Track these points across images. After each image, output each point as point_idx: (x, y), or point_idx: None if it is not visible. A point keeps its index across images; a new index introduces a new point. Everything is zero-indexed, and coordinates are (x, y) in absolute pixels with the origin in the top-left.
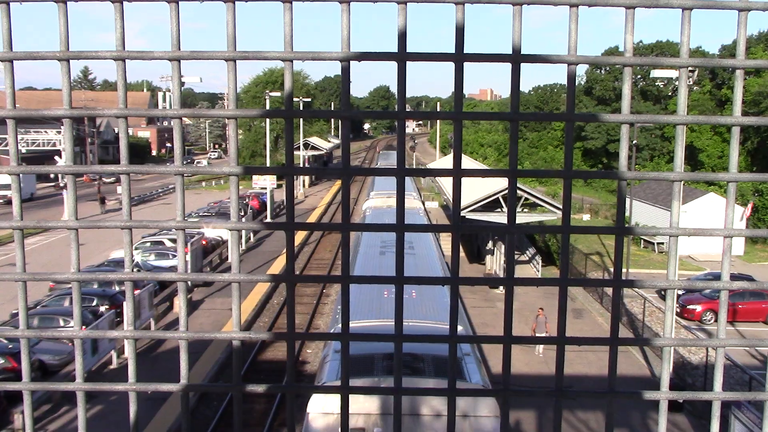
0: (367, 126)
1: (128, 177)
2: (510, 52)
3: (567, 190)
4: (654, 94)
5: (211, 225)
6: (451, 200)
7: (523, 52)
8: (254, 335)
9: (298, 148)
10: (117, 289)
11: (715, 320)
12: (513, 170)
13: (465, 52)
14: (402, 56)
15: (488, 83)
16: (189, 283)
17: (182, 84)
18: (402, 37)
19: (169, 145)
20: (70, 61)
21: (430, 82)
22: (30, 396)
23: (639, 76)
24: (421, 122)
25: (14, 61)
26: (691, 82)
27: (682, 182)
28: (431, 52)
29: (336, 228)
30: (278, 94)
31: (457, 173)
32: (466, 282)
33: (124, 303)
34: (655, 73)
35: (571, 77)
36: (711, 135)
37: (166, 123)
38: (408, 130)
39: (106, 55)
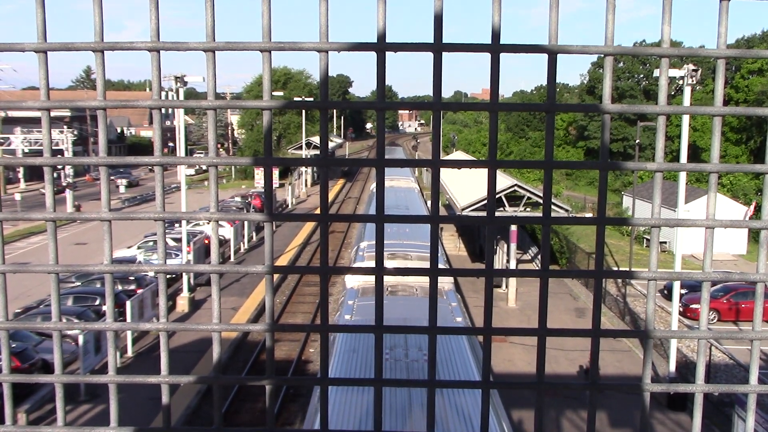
0: (369, 126)
1: (161, 169)
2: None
3: (603, 182)
4: (657, 93)
5: (243, 218)
6: (453, 199)
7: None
8: (287, 327)
9: (301, 148)
10: (120, 288)
11: (718, 319)
12: (549, 162)
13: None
14: (438, 47)
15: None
16: (191, 278)
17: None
18: (438, 27)
19: (171, 144)
20: (104, 52)
21: (422, 77)
22: (62, 389)
23: (642, 76)
24: (422, 122)
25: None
26: (694, 81)
27: (717, 174)
28: (467, 43)
29: (370, 219)
30: (281, 93)
31: (493, 165)
32: (499, 274)
33: (128, 302)
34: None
35: (609, 68)
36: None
37: (168, 123)
38: (410, 130)
39: (141, 46)
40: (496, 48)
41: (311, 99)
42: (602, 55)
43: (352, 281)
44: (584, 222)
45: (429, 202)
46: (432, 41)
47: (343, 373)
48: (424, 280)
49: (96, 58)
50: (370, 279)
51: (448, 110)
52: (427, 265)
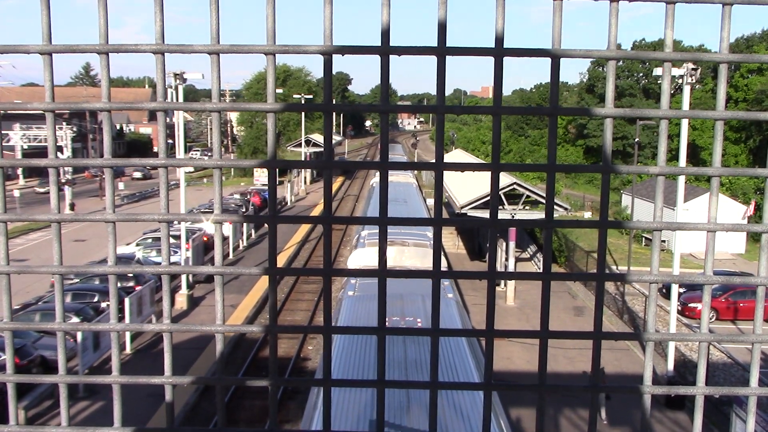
0: (368, 123)
1: (166, 171)
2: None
3: (605, 185)
4: (656, 92)
5: (247, 220)
6: (453, 198)
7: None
8: (291, 329)
9: (300, 145)
10: (118, 285)
11: (717, 318)
12: (552, 165)
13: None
14: (442, 51)
15: (490, 81)
16: (190, 278)
17: (189, 78)
18: (442, 31)
19: (170, 141)
20: (109, 54)
21: (423, 75)
22: (66, 389)
23: (641, 74)
24: (422, 119)
25: (53, 54)
26: (693, 80)
27: (720, 177)
28: (471, 47)
29: (374, 222)
30: (280, 90)
31: (496, 168)
32: (500, 276)
33: (126, 300)
34: (658, 71)
35: (612, 72)
36: (713, 134)
37: (167, 119)
38: (410, 128)
39: (146, 49)
40: (499, 52)
41: (311, 97)
42: (606, 60)
43: (354, 262)
44: (586, 225)
45: (429, 201)
46: (436, 44)
47: (344, 359)
48: (420, 261)
49: (101, 60)
50: (372, 260)
51: (452, 113)
52: (422, 249)
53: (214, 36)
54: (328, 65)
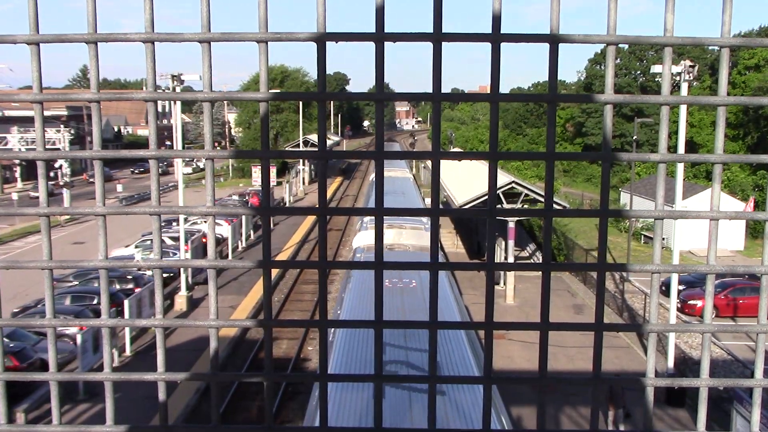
0: (366, 123)
1: (157, 162)
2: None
3: (606, 173)
4: (653, 90)
5: (240, 212)
6: (451, 196)
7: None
8: (286, 323)
9: (298, 146)
10: (117, 287)
11: (716, 315)
12: (551, 153)
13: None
14: (438, 36)
15: (485, 80)
16: (189, 277)
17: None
18: (437, 16)
19: (168, 143)
20: (98, 44)
21: (418, 76)
22: (57, 387)
23: (639, 72)
24: (420, 119)
25: (41, 44)
26: (691, 78)
27: (722, 165)
28: (467, 33)
29: (370, 213)
30: (277, 90)
31: (494, 156)
32: (500, 267)
33: (125, 301)
34: (656, 68)
35: (611, 57)
36: (710, 131)
37: (165, 121)
38: (407, 127)
39: (135, 38)
40: (497, 38)
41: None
42: (605, 45)
43: (358, 242)
44: (587, 214)
45: (427, 200)
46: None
47: (346, 348)
48: (416, 240)
49: (89, 50)
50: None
51: (449, 101)
52: (418, 231)
53: (204, 24)
54: (321, 53)
